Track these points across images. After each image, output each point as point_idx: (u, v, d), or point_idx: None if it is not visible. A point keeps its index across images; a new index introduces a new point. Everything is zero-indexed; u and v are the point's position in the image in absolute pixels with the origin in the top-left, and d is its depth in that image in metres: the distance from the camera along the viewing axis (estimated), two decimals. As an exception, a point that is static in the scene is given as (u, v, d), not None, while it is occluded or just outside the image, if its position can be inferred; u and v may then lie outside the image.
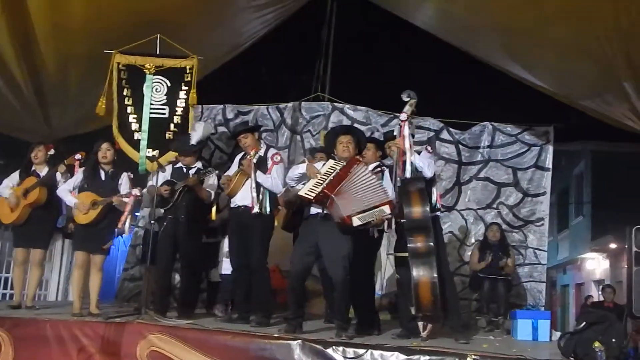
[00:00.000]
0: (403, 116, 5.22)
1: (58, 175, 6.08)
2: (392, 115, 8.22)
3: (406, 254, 5.04)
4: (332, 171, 5.20)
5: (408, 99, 5.22)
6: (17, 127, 8.42)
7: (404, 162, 5.17)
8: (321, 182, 5.13)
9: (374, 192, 5.11)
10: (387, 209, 5.07)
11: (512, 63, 7.38)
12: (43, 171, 6.17)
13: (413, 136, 5.39)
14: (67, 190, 5.84)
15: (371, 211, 5.04)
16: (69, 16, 6.93)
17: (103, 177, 5.85)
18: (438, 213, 5.47)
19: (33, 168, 6.22)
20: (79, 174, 5.91)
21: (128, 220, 5.73)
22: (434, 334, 5.15)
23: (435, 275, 4.90)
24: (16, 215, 6.07)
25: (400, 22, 8.19)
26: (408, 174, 5.13)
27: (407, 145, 5.16)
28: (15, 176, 6.22)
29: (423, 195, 5.09)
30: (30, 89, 7.79)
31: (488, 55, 7.64)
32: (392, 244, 7.30)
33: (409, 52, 8.57)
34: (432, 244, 4.97)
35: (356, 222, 5.02)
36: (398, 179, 5.20)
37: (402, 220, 5.12)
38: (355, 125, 8.28)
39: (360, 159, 5.34)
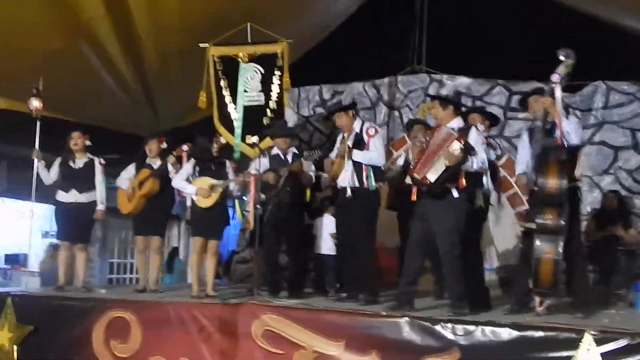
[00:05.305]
0: (555, 77, 4.69)
1: (169, 167, 6.33)
2: (494, 83, 7.96)
3: (533, 226, 4.75)
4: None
5: (564, 59, 4.65)
6: (128, 123, 8.88)
7: (551, 127, 4.80)
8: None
9: (439, 141, 4.88)
10: (455, 144, 4.74)
11: (622, 13, 6.87)
12: (156, 163, 6.41)
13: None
14: (182, 181, 6.09)
15: (439, 156, 4.80)
16: (166, 13, 7.17)
17: (213, 167, 6.07)
18: (579, 183, 5.07)
19: (147, 160, 6.49)
20: (189, 165, 6.14)
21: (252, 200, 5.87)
22: (550, 310, 4.92)
23: (561, 254, 4.61)
24: (133, 205, 6.39)
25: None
26: (559, 139, 4.70)
27: (559, 109, 4.72)
28: (131, 169, 6.54)
29: (562, 167, 4.66)
30: (137, 84, 8.19)
31: (596, 9, 7.16)
32: (500, 219, 7.09)
33: (507, 15, 8.16)
34: (562, 222, 4.62)
35: (431, 176, 4.81)
36: (540, 143, 4.81)
37: (534, 189, 4.81)
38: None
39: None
